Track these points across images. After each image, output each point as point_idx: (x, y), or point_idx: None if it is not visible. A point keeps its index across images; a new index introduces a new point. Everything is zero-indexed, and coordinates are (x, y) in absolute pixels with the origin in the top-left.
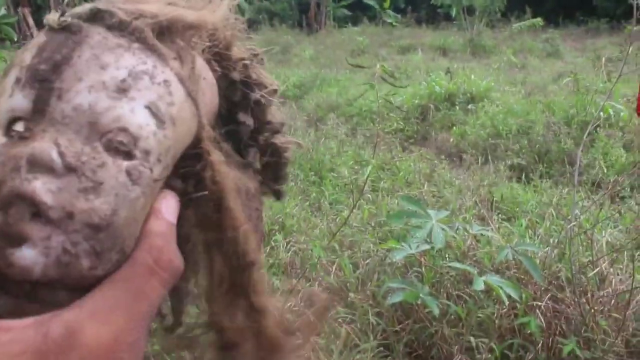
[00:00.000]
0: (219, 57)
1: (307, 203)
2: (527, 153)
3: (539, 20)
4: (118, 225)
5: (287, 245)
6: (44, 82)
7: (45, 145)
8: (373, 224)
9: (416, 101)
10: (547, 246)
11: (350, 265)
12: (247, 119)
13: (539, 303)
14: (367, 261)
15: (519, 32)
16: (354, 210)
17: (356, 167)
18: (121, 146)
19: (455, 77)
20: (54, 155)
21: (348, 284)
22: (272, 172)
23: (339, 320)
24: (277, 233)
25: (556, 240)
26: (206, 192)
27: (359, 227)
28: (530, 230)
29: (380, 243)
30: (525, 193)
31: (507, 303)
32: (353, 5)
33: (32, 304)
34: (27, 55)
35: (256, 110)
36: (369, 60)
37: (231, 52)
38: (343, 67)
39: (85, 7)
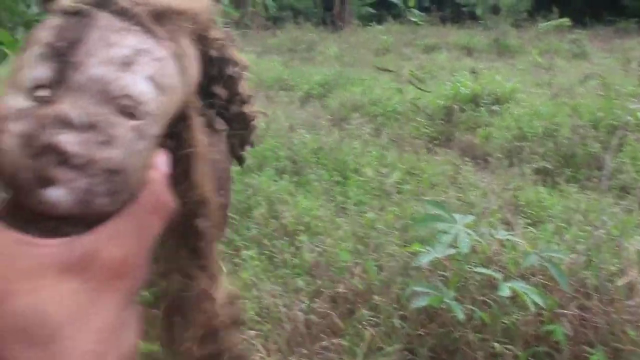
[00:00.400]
0: (200, 38)
1: (333, 204)
2: (553, 156)
3: (566, 20)
4: (128, 171)
5: (312, 247)
6: (62, 57)
7: (68, 107)
8: (398, 226)
9: (441, 102)
10: (573, 253)
11: (375, 268)
12: (221, 91)
13: (566, 311)
14: (392, 264)
15: (545, 32)
16: (379, 213)
17: (382, 171)
18: (127, 109)
19: (480, 78)
20: (76, 115)
21: (372, 286)
22: (239, 138)
23: (363, 322)
24: (301, 233)
25: (583, 247)
26: (191, 150)
27: (383, 230)
28: (556, 236)
29: (404, 246)
30: (551, 197)
31: (533, 310)
32: (377, 4)
33: (55, 236)
34: (45, 34)
35: (229, 84)
36: (394, 59)
37: (209, 33)
38: (367, 66)
39: None
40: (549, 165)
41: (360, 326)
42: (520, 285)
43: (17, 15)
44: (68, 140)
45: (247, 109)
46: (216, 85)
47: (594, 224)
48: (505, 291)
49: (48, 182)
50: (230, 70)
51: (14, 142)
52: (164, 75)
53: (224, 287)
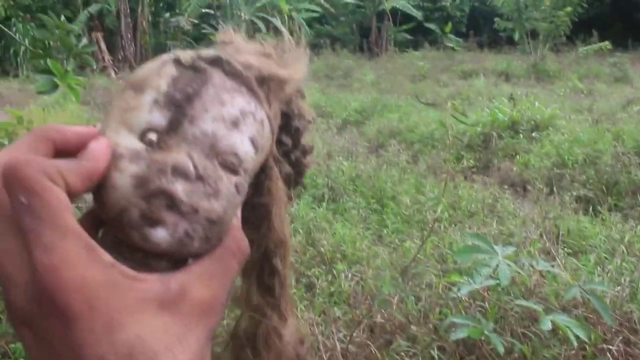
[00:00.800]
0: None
1: (370, 231)
2: (595, 184)
3: (606, 44)
4: (225, 221)
5: (350, 275)
6: (179, 108)
7: (184, 158)
8: (436, 256)
9: (478, 129)
10: (617, 285)
11: (413, 297)
12: (287, 140)
13: (610, 346)
14: (430, 294)
15: (585, 56)
16: (417, 242)
17: (420, 199)
18: (231, 165)
19: (518, 104)
20: (190, 166)
21: (410, 316)
22: (291, 182)
23: (401, 353)
24: (339, 262)
25: (627, 279)
26: (264, 201)
27: (422, 259)
28: (598, 267)
29: (443, 276)
30: (592, 227)
31: (575, 344)
32: (414, 30)
33: (141, 268)
34: (161, 82)
35: (294, 135)
36: (431, 85)
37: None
38: (404, 92)
39: (209, 53)
40: (590, 194)
41: (398, 357)
42: (562, 318)
43: (67, 48)
44: (181, 189)
45: (306, 158)
46: (283, 135)
47: (639, 255)
48: (546, 324)
49: (155, 222)
50: (297, 122)
51: (127, 182)
52: (261, 136)
53: (294, 325)
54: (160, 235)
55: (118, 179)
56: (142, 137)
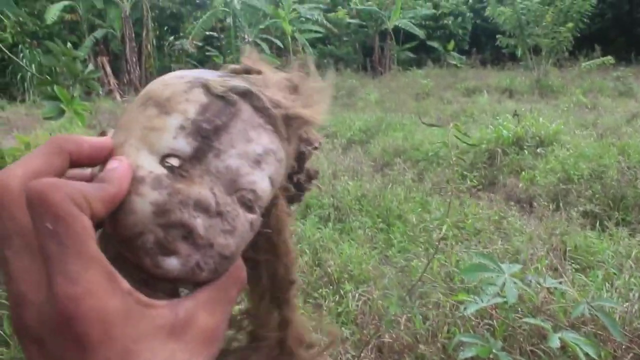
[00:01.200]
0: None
1: (376, 251)
2: (601, 199)
3: (609, 59)
4: (236, 256)
5: (357, 295)
6: (206, 139)
7: (207, 193)
8: (443, 274)
9: (483, 145)
10: (626, 301)
11: (420, 317)
12: (293, 163)
13: None
14: (437, 313)
15: (588, 71)
16: (423, 260)
17: (426, 217)
18: (248, 202)
19: (522, 120)
20: (212, 202)
21: (418, 336)
22: (290, 201)
23: None
24: (346, 282)
25: (636, 295)
26: (269, 231)
27: (428, 277)
28: (607, 283)
29: (450, 294)
30: (600, 242)
31: None
32: (417, 48)
33: (144, 289)
34: (189, 107)
35: (299, 159)
36: (434, 103)
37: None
38: (408, 110)
39: (240, 84)
40: (597, 209)
41: None
42: (570, 336)
43: (74, 74)
44: (201, 224)
45: (308, 182)
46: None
47: None
48: (555, 342)
49: (169, 252)
50: (303, 147)
51: (147, 208)
52: (278, 174)
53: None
54: (172, 264)
55: (138, 203)
56: (163, 160)
